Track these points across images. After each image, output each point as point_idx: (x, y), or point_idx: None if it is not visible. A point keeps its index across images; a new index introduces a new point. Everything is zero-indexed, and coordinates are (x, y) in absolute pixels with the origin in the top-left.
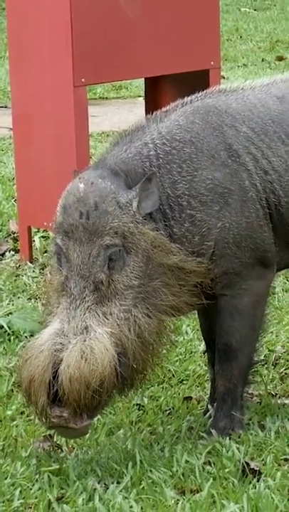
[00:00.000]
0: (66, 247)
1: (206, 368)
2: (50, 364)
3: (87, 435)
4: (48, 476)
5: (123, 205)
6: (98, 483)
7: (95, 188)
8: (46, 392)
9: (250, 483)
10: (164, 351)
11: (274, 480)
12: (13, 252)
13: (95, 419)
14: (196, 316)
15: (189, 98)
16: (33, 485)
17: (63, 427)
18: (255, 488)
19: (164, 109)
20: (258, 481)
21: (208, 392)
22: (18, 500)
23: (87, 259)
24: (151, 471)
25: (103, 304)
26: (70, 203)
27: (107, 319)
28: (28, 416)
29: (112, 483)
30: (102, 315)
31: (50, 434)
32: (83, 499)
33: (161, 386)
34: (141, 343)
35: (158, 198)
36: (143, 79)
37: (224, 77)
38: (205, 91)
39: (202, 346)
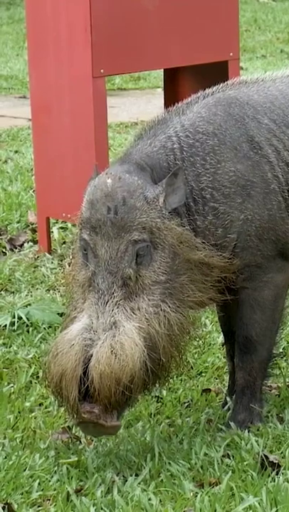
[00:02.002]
0: (94, 243)
1: (225, 360)
2: (81, 359)
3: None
4: (67, 468)
5: (150, 200)
6: (117, 475)
7: (122, 183)
8: (77, 387)
9: (269, 476)
10: (190, 345)
11: None
12: (31, 243)
13: (122, 419)
14: (215, 308)
15: (210, 90)
16: (52, 477)
17: (93, 423)
18: (274, 481)
19: (185, 101)
20: (276, 474)
21: (227, 384)
22: (37, 492)
23: (116, 254)
24: (169, 463)
25: (131, 299)
26: (97, 198)
27: (136, 314)
28: (46, 408)
29: (131, 475)
30: (130, 310)
31: (68, 426)
32: (102, 491)
33: (179, 378)
34: (170, 338)
35: (184, 193)
36: (162, 70)
37: (243, 68)
38: (226, 82)
39: (221, 338)
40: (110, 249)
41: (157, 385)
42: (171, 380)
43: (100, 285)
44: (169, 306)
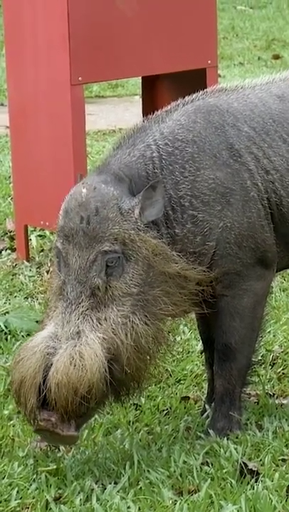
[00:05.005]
0: (65, 251)
1: (204, 368)
2: (42, 367)
3: (84, 436)
4: (46, 476)
5: (125, 211)
6: (96, 483)
7: (96, 193)
8: (36, 395)
9: (248, 483)
10: (161, 357)
11: (272, 480)
12: (9, 251)
13: (82, 429)
14: (193, 315)
15: (190, 97)
16: (31, 485)
17: (49, 431)
18: (253, 488)
19: (165, 109)
20: (256, 481)
21: (206, 391)
22: (16, 500)
23: (85, 264)
24: (148, 471)
25: (99, 309)
26: (71, 207)
27: (101, 324)
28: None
29: (110, 483)
30: (96, 320)
31: None
32: (81, 499)
33: (158, 386)
34: (136, 350)
35: (162, 206)
36: (140, 77)
37: (220, 76)
38: (205, 90)
39: (199, 346)
40: (80, 258)
41: (128, 395)
42: (149, 388)
43: (69, 294)
44: (139, 318)
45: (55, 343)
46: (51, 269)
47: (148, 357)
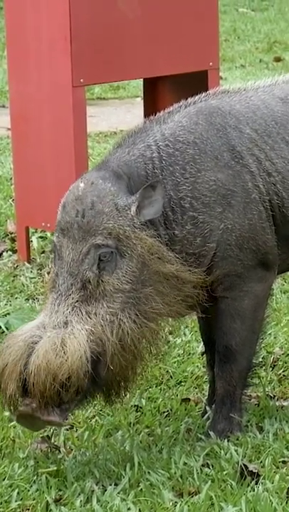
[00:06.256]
0: (60, 244)
1: (204, 370)
2: (25, 354)
3: (84, 438)
4: (46, 478)
5: (121, 207)
6: (96, 484)
7: (94, 188)
8: (16, 381)
9: (248, 485)
10: (152, 357)
11: (272, 482)
12: (10, 253)
13: (66, 416)
14: (195, 317)
15: (192, 99)
16: (31, 486)
17: (29, 416)
18: (254, 490)
19: (166, 110)
20: (256, 483)
21: (207, 393)
22: (16, 501)
23: (78, 256)
24: (149, 473)
25: (89, 303)
26: (69, 201)
27: (90, 318)
28: None
29: (110, 484)
30: (85, 313)
31: (48, 435)
32: (81, 501)
33: (159, 387)
34: (122, 348)
35: (161, 206)
36: (141, 79)
37: (222, 78)
38: (208, 92)
39: (200, 348)
40: (74, 251)
41: (116, 394)
42: (150, 390)
43: (60, 286)
44: (128, 317)
45: (40, 332)
46: (48, 268)
47: (134, 356)
